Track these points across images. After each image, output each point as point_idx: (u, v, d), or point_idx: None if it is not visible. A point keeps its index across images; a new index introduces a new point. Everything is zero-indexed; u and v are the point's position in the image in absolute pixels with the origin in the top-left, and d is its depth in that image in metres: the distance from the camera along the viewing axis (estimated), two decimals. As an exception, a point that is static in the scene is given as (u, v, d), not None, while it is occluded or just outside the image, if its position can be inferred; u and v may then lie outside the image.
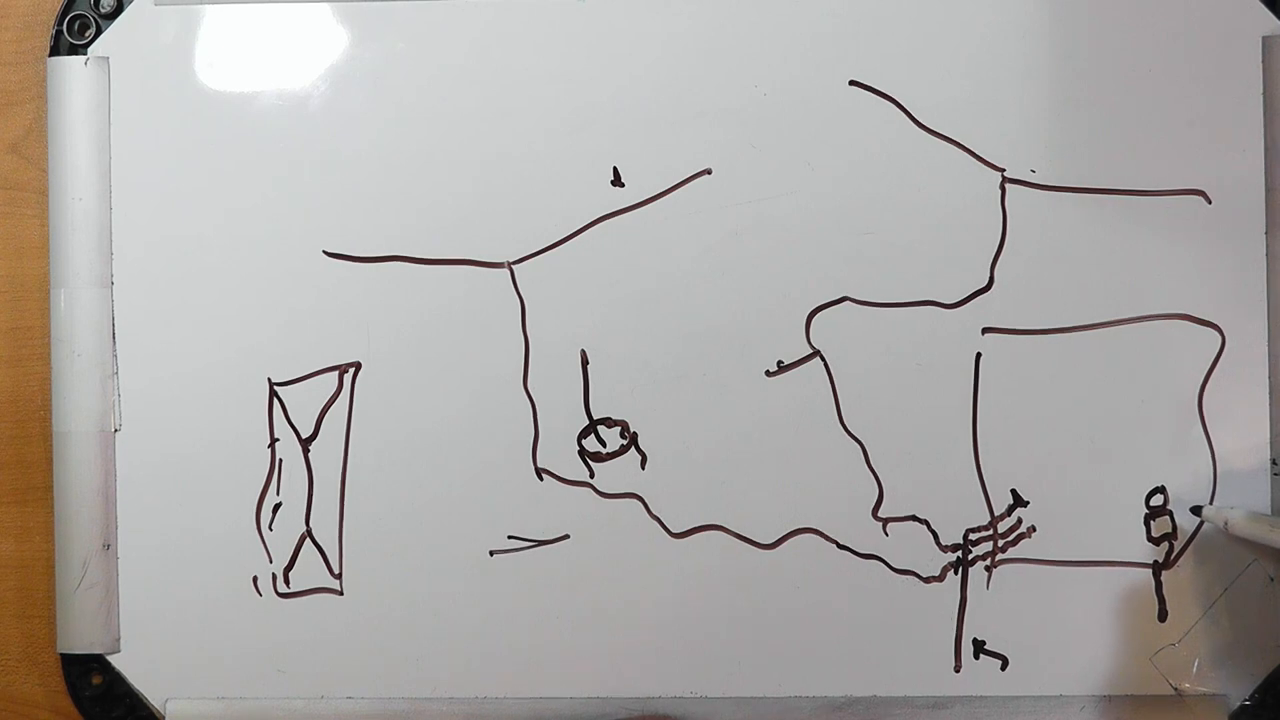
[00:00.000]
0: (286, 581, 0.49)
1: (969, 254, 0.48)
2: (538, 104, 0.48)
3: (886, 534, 0.48)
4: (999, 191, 0.48)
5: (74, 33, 0.49)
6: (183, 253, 0.49)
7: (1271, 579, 0.47)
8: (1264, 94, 0.47)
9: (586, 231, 0.48)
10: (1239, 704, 0.48)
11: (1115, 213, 0.48)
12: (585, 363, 0.49)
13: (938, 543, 0.48)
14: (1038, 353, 0.48)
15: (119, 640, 0.49)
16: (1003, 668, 0.48)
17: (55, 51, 0.49)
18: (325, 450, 0.49)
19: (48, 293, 0.49)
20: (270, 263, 0.49)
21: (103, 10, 0.49)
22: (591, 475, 0.49)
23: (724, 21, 0.48)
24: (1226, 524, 0.46)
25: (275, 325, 0.49)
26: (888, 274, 0.48)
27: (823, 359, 0.48)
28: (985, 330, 0.48)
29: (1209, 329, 0.48)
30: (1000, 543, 0.48)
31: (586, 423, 0.49)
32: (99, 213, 0.49)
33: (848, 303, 0.48)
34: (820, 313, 0.48)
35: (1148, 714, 0.48)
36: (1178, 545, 0.48)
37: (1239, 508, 0.46)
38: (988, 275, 0.48)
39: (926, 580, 0.48)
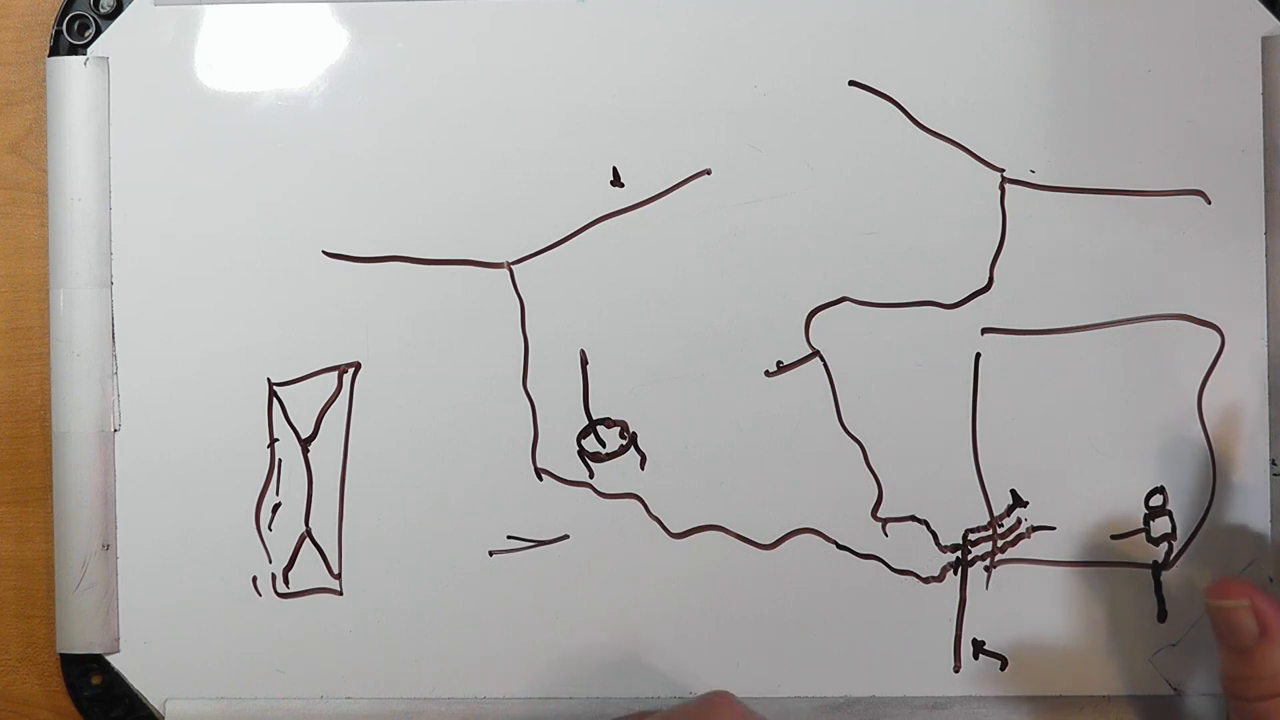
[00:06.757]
0: (286, 581, 0.49)
1: (968, 254, 0.48)
2: (538, 104, 0.48)
3: (886, 534, 0.48)
4: (998, 192, 0.48)
5: (74, 33, 0.49)
6: (182, 253, 0.49)
7: (1271, 579, 0.47)
8: (1263, 94, 0.47)
9: (586, 231, 0.48)
10: (1238, 704, 0.48)
11: (1115, 213, 0.48)
12: (585, 363, 0.49)
13: (937, 543, 0.48)
14: (1037, 353, 0.48)
15: (118, 640, 0.49)
16: (1002, 668, 0.48)
17: (55, 51, 0.49)
18: (325, 450, 0.49)
19: (47, 293, 0.49)
20: (270, 263, 0.49)
21: (102, 10, 0.49)
22: (591, 475, 0.49)
23: (724, 22, 0.48)
24: None
25: (275, 325, 0.49)
26: (887, 274, 0.48)
27: (822, 359, 0.48)
28: (985, 330, 0.48)
29: (1209, 329, 0.48)
30: (1000, 543, 0.48)
31: (586, 423, 0.49)
32: (98, 213, 0.49)
33: (847, 303, 0.48)
34: (820, 313, 0.48)
35: (1148, 714, 0.48)
36: (1177, 545, 0.48)
37: None
38: (987, 275, 0.48)
39: (926, 580, 0.48)
